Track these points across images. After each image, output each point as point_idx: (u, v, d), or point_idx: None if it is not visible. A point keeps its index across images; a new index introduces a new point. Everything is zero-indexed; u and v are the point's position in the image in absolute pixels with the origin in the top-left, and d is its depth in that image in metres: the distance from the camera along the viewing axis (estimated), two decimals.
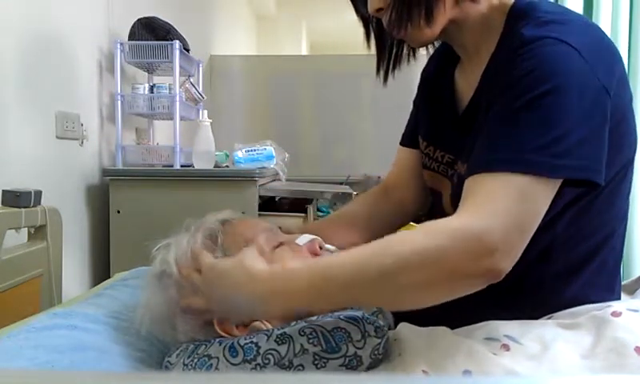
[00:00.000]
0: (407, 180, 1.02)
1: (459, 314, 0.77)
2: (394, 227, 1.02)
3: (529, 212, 0.65)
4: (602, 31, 0.77)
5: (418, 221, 1.64)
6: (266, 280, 0.65)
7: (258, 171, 2.02)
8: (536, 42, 0.69)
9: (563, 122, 0.66)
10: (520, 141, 0.65)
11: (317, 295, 0.64)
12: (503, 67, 0.72)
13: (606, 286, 0.83)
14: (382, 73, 0.90)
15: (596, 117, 0.68)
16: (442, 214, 0.90)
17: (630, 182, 0.83)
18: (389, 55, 0.89)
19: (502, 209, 0.63)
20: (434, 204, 0.95)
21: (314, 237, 0.79)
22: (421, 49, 0.89)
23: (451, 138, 0.88)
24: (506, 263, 0.63)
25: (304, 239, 0.78)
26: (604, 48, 0.73)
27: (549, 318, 0.76)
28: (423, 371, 0.63)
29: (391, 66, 0.90)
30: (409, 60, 0.91)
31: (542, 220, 0.66)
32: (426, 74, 1.00)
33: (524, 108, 0.67)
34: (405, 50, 0.90)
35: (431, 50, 0.94)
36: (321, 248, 0.77)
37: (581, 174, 0.67)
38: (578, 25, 0.73)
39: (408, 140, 1.04)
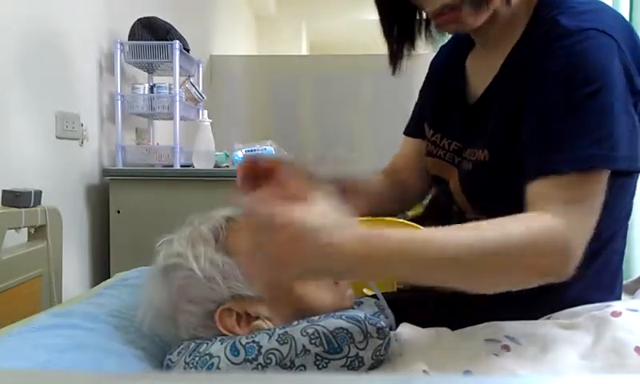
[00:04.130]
0: (412, 167, 1.03)
1: (461, 313, 0.77)
2: (393, 209, 1.02)
3: (596, 209, 0.68)
4: (627, 20, 0.79)
5: (419, 221, 1.64)
6: (361, 247, 0.59)
7: None
8: (580, 33, 0.71)
9: (611, 118, 0.69)
10: (577, 140, 0.68)
11: (407, 265, 0.62)
12: (540, 56, 0.73)
13: (608, 287, 0.83)
14: (396, 63, 0.89)
15: (630, 107, 0.71)
16: (450, 200, 0.92)
17: (636, 182, 0.84)
18: (397, 43, 0.88)
19: (583, 217, 0.67)
20: (441, 191, 0.96)
21: None
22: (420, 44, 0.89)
23: (460, 127, 0.88)
24: (573, 269, 0.65)
25: None
26: (634, 38, 0.75)
27: (548, 318, 0.76)
28: (424, 371, 0.63)
29: (400, 54, 0.89)
30: (409, 52, 0.89)
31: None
32: (435, 64, 1.01)
33: (573, 108, 0.69)
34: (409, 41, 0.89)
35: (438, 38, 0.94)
36: None
37: (629, 164, 0.71)
38: (611, 14, 0.75)
39: (413, 130, 1.04)
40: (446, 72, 0.95)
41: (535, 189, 0.69)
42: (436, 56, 1.01)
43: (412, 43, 0.88)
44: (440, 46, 1.02)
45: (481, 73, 0.87)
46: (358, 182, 1.01)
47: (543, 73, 0.72)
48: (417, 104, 1.06)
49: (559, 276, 0.65)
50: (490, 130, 0.80)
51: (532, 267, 0.65)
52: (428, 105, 0.99)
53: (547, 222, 0.66)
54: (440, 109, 0.94)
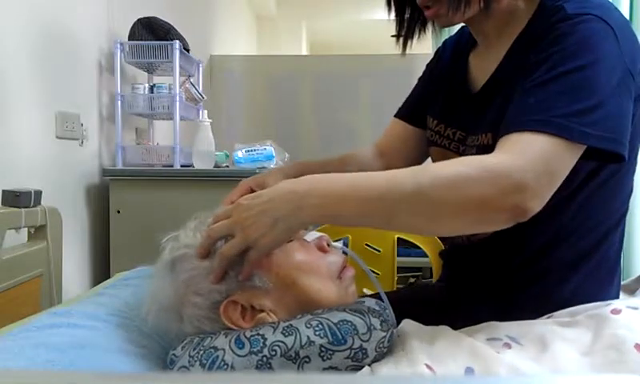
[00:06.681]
0: (398, 151, 1.05)
1: (461, 313, 0.78)
2: None
3: (556, 166, 0.68)
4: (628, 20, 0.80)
5: None
6: (304, 181, 0.68)
7: (258, 171, 2.02)
8: (578, 16, 0.73)
9: (593, 95, 0.69)
10: (551, 106, 0.69)
11: (353, 199, 0.66)
12: (538, 40, 0.75)
13: (605, 283, 0.84)
14: (401, 41, 0.93)
15: (623, 96, 0.72)
16: None
17: (633, 179, 0.85)
18: (407, 24, 0.91)
19: (533, 155, 0.66)
20: None
21: (322, 234, 0.79)
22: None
23: (463, 116, 0.90)
24: (535, 203, 0.65)
25: (312, 236, 0.78)
26: (631, 34, 0.76)
27: (549, 318, 0.76)
28: (426, 365, 0.63)
29: (410, 35, 0.92)
30: (419, 34, 0.93)
31: (551, 205, 0.67)
32: (440, 56, 1.02)
33: (556, 78, 0.70)
34: (419, 22, 0.92)
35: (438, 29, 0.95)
36: (328, 245, 0.77)
37: (605, 144, 0.69)
38: (613, 8, 0.77)
39: (406, 115, 1.06)
40: (451, 65, 0.97)
41: (498, 143, 0.70)
42: (442, 48, 1.03)
43: (423, 26, 0.91)
44: (445, 38, 1.04)
45: (483, 64, 0.89)
46: (350, 160, 1.03)
47: (540, 52, 0.73)
48: (415, 91, 1.08)
49: (514, 210, 0.64)
50: (493, 115, 0.81)
51: (477, 201, 0.64)
52: (431, 95, 1.00)
53: (486, 159, 0.67)
54: (444, 99, 0.96)
